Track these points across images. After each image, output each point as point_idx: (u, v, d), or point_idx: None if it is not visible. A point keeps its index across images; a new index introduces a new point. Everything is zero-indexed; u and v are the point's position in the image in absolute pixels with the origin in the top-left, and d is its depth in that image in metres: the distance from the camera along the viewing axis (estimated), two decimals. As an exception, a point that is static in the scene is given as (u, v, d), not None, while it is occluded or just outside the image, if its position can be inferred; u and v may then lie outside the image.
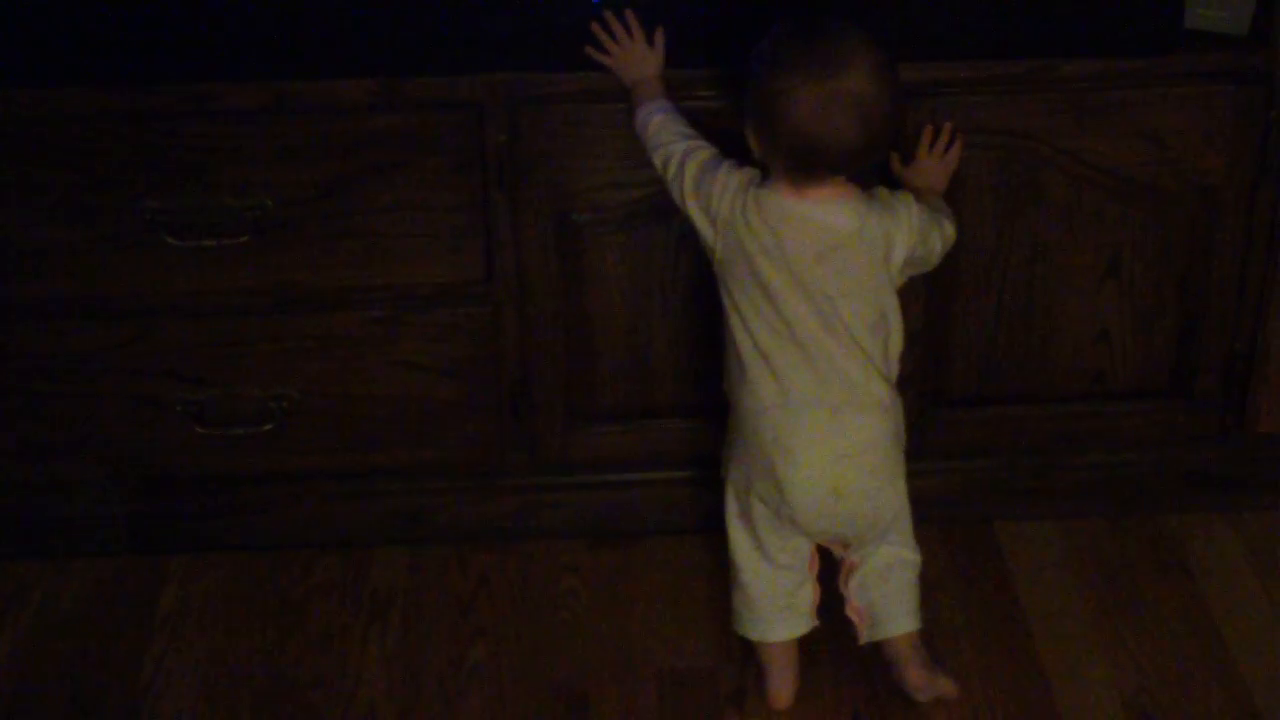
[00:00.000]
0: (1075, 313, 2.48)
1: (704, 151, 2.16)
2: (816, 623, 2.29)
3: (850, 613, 2.29)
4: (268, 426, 2.47)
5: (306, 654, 2.44)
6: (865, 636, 2.30)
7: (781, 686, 2.31)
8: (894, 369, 2.18)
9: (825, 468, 2.14)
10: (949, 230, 2.21)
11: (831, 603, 2.30)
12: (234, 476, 2.57)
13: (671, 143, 2.18)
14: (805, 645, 2.32)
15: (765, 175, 2.12)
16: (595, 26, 2.24)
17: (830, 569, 2.30)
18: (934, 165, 2.29)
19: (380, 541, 2.62)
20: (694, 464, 2.58)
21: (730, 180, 2.12)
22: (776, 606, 2.26)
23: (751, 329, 2.12)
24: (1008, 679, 2.36)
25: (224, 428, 2.48)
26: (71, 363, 2.43)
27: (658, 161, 2.20)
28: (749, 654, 2.36)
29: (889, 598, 2.27)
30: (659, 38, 2.24)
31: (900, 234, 2.11)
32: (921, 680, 2.29)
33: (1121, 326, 2.49)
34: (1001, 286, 2.45)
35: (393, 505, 2.61)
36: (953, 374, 2.51)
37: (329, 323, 2.43)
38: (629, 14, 2.24)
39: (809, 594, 2.27)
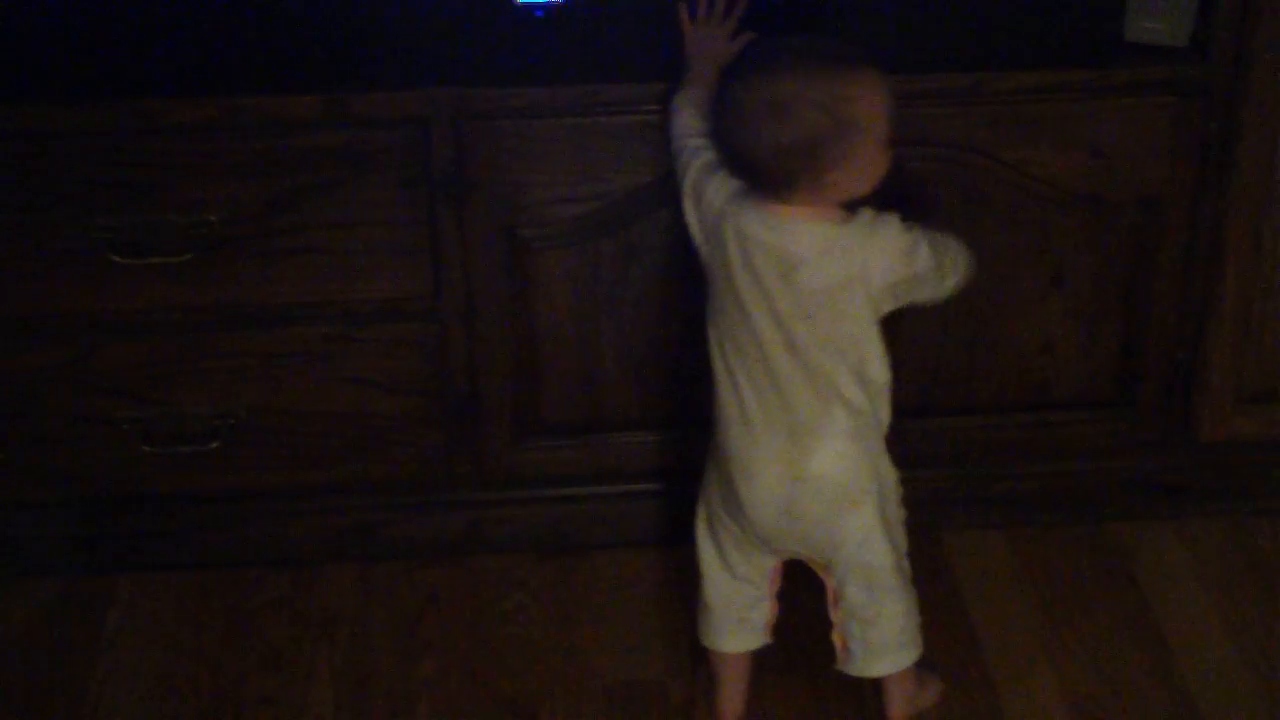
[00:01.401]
0: (1019, 323, 2.49)
1: (711, 153, 2.13)
2: (770, 640, 2.28)
3: (835, 639, 2.23)
4: (215, 444, 2.46)
5: (255, 672, 2.43)
6: (841, 666, 2.25)
7: (730, 698, 2.31)
8: (874, 395, 2.13)
9: (779, 489, 2.11)
10: (957, 250, 2.17)
11: (791, 619, 2.30)
12: (181, 495, 2.56)
13: (689, 136, 2.16)
14: (759, 659, 2.32)
15: None
16: None
17: (796, 588, 2.29)
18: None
19: (328, 558, 2.61)
20: (642, 478, 2.58)
21: (723, 186, 2.09)
22: (731, 617, 2.25)
23: (722, 342, 2.11)
24: (954, 687, 2.38)
25: (171, 446, 2.46)
26: (16, 381, 2.42)
27: (673, 149, 2.19)
28: (699, 664, 2.37)
29: (870, 647, 2.21)
30: (743, 38, 2.23)
31: (877, 256, 2.04)
32: (899, 716, 2.29)
33: (1065, 336, 2.50)
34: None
35: (341, 522, 2.61)
36: (897, 384, 2.50)
37: (275, 340, 2.42)
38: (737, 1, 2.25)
39: (765, 611, 2.26)
